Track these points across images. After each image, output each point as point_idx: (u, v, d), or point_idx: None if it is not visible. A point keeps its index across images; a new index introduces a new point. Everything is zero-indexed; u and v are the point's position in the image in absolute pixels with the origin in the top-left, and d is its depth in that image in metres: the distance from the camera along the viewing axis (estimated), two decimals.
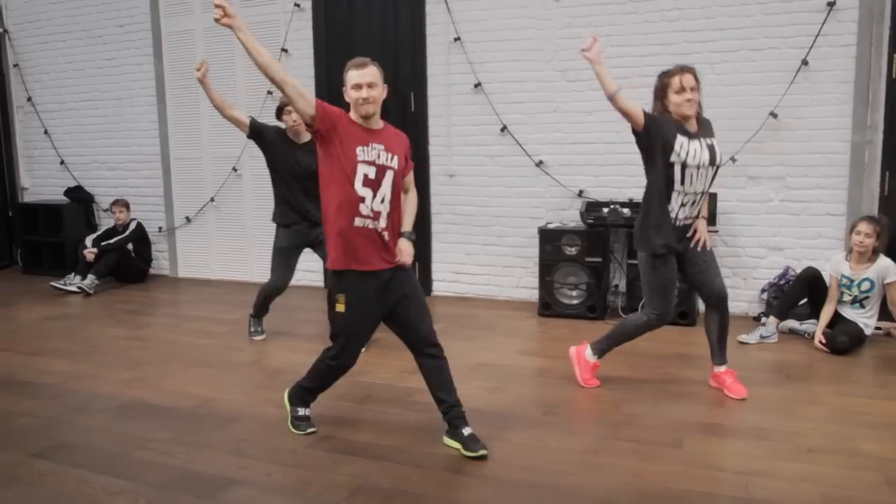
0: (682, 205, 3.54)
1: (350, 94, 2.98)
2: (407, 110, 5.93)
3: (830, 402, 3.59)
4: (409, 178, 3.26)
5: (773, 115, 4.89)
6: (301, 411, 3.37)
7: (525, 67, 5.56)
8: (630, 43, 5.22)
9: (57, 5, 7.26)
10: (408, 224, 3.21)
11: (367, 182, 2.96)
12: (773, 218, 5.04)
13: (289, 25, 6.25)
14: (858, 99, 4.74)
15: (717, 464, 2.94)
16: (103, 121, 7.25)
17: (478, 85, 5.68)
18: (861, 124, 4.77)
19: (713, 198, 5.01)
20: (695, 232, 3.64)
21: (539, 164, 5.59)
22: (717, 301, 3.69)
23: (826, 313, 4.51)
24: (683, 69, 3.48)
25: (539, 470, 2.91)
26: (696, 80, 3.48)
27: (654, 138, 3.47)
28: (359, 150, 2.96)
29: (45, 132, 7.53)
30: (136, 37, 6.93)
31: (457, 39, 5.69)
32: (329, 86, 6.15)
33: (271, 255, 4.66)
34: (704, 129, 3.58)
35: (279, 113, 4.47)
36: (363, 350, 4.19)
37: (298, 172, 4.46)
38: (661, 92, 3.52)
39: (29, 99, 7.57)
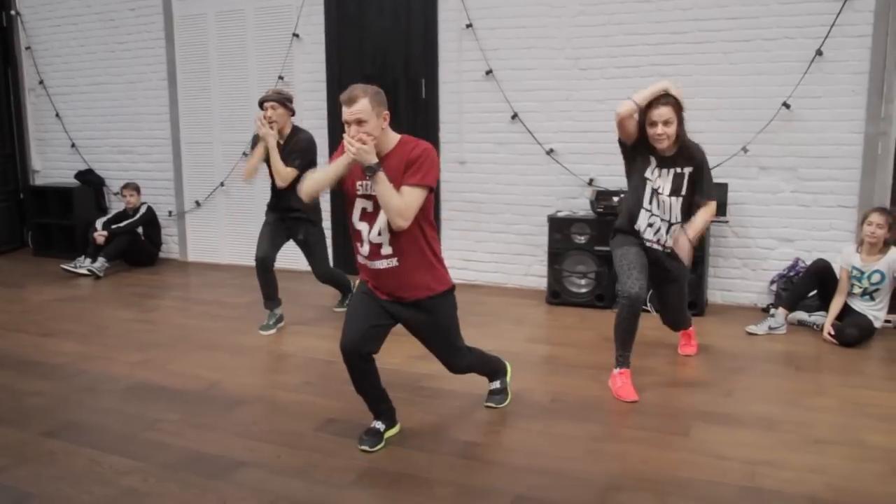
0: (650, 225, 3.61)
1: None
2: (418, 97, 5.91)
3: (838, 394, 3.58)
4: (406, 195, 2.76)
5: (786, 105, 4.86)
6: None
7: (537, 55, 5.53)
8: (643, 31, 5.18)
9: None
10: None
11: (363, 216, 2.87)
12: (783, 209, 5.01)
13: (300, 10, 6.23)
14: (873, 90, 4.69)
15: (724, 453, 2.94)
16: (115, 104, 7.26)
17: (489, 72, 5.66)
18: (875, 116, 4.72)
19: (723, 188, 4.99)
20: (675, 242, 3.63)
21: (550, 152, 5.57)
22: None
23: (836, 305, 4.49)
24: (659, 101, 3.40)
25: (546, 456, 2.92)
26: (677, 111, 3.41)
27: (636, 151, 3.60)
28: (358, 184, 2.85)
29: (57, 115, 7.55)
30: (148, 20, 6.92)
31: (469, 26, 5.66)
32: (340, 72, 6.15)
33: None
34: (683, 156, 3.54)
35: (261, 105, 4.54)
36: None
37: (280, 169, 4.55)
38: (642, 118, 3.48)
39: (41, 82, 7.58)
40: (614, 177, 5.39)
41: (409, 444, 3.04)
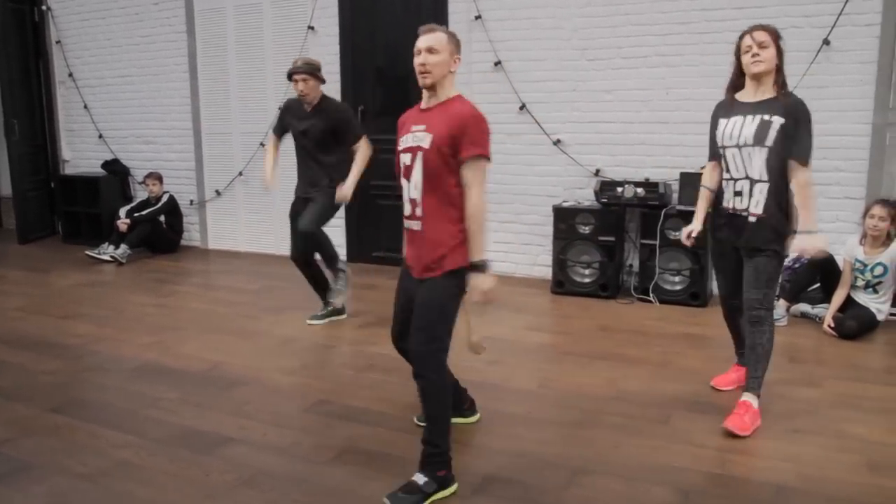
0: (736, 193, 3.16)
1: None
2: None
3: (827, 386, 3.58)
4: (469, 175, 2.58)
5: None
6: None
7: (545, 46, 5.56)
8: (649, 22, 5.18)
9: None
10: (473, 252, 2.68)
11: (404, 171, 2.68)
12: None
13: (315, 3, 6.35)
14: (881, 80, 4.64)
15: (700, 440, 2.98)
16: (139, 96, 7.47)
17: (498, 63, 5.70)
18: (883, 106, 4.66)
19: None
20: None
21: (557, 142, 5.60)
22: (744, 313, 3.23)
23: (838, 297, 4.47)
24: (754, 27, 3.12)
25: (522, 439, 2.99)
26: (774, 37, 3.10)
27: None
28: (402, 138, 2.69)
29: (85, 107, 7.80)
30: (171, 14, 7.11)
31: (478, 17, 5.72)
32: (353, 63, 6.26)
33: None
34: (775, 104, 3.11)
35: (290, 77, 4.43)
36: None
37: (305, 137, 4.50)
38: (737, 52, 3.19)
39: (70, 75, 7.83)
40: (620, 167, 5.43)
41: (392, 426, 3.14)
